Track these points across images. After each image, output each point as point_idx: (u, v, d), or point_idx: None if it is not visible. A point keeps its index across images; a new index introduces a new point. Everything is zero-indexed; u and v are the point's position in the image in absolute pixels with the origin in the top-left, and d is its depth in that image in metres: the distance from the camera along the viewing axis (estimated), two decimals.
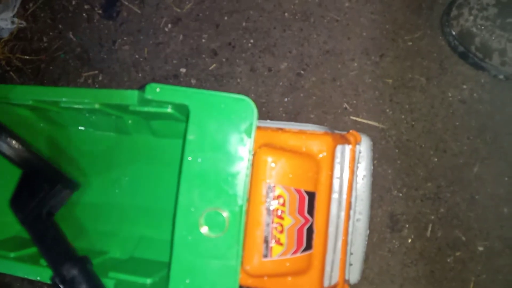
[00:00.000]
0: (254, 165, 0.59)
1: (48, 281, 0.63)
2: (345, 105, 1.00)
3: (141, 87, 0.64)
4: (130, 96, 0.64)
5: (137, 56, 1.11)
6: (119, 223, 0.81)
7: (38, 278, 0.65)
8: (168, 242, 0.75)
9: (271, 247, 0.57)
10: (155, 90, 0.60)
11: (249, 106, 0.58)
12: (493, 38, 0.88)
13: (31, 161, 0.67)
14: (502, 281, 0.92)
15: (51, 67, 1.15)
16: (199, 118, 0.59)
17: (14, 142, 0.64)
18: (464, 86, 0.96)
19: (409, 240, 0.96)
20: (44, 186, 0.68)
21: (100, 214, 0.82)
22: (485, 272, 0.93)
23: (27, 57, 1.15)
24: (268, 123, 0.73)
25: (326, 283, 0.64)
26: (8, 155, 0.65)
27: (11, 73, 1.16)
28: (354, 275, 0.77)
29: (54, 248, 0.63)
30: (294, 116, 1.02)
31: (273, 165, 0.58)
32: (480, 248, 0.94)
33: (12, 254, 0.69)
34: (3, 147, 0.64)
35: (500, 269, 0.93)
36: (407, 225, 0.96)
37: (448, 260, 0.94)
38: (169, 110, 0.66)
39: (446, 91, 0.97)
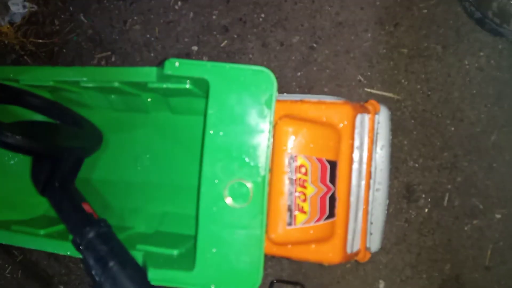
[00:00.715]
0: (275, 136, 0.59)
1: (79, 256, 0.65)
2: (359, 77, 1.00)
3: (160, 64, 0.65)
4: (149, 73, 0.65)
5: (148, 36, 1.11)
6: (142, 200, 0.83)
7: (68, 253, 0.67)
8: (191, 216, 0.77)
9: (295, 215, 0.58)
10: (174, 65, 0.60)
11: (269, 77, 0.58)
12: (511, 2, 0.86)
13: (57, 109, 0.70)
14: None
15: (64, 50, 1.15)
16: (219, 92, 0.59)
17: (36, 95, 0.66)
18: (481, 53, 0.95)
19: (426, 210, 0.97)
20: (48, 160, 0.70)
21: (124, 191, 0.84)
22: (502, 239, 0.94)
23: (41, 41, 1.16)
24: (285, 97, 0.73)
25: (348, 250, 0.65)
26: (36, 105, 0.68)
27: (25, 57, 1.17)
28: (374, 244, 0.78)
29: (71, 214, 0.65)
30: (307, 90, 1.02)
31: (294, 135, 0.58)
32: (498, 216, 0.94)
33: (42, 231, 0.71)
34: (32, 101, 0.68)
35: None
36: (423, 195, 0.97)
37: (466, 228, 0.95)
38: (187, 86, 0.66)
39: (462, 59, 0.95)
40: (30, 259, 1.13)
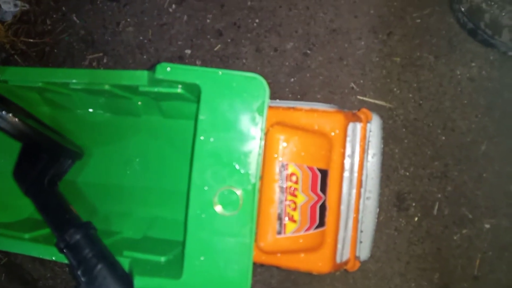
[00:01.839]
0: (266, 143, 0.59)
1: (65, 261, 0.64)
2: (352, 84, 1.00)
3: (151, 68, 0.64)
4: (140, 77, 0.64)
5: (141, 38, 1.10)
6: (131, 204, 0.82)
7: (54, 258, 0.66)
8: (180, 222, 0.76)
9: (284, 224, 0.58)
10: (166, 70, 0.59)
11: (261, 84, 0.58)
12: (503, 14, 0.87)
13: (28, 133, 0.66)
14: (508, 258, 0.94)
15: (55, 50, 1.14)
16: (210, 97, 0.59)
17: (7, 114, 0.63)
18: (473, 64, 0.96)
19: (416, 219, 0.97)
20: (44, 156, 0.68)
21: (112, 195, 0.83)
22: (491, 249, 0.94)
23: (31, 40, 1.14)
24: (277, 103, 0.72)
25: (337, 260, 0.65)
26: (2, 128, 0.64)
27: (15, 56, 1.16)
28: (364, 253, 0.78)
29: (57, 215, 0.64)
30: (300, 96, 1.02)
31: (285, 143, 0.58)
32: (487, 226, 0.94)
33: (26, 235, 0.70)
34: None
35: (507, 246, 0.94)
36: (413, 204, 0.97)
37: (455, 237, 0.96)
38: (179, 90, 0.65)
39: (454, 69, 0.96)
40: (15, 262, 1.11)
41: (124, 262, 0.62)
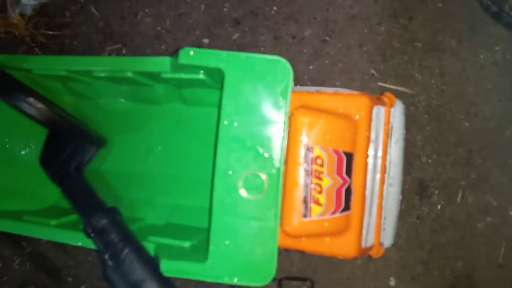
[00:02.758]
0: (290, 127, 0.58)
1: (91, 246, 0.65)
2: (372, 71, 0.98)
3: (173, 53, 0.64)
4: (162, 63, 0.64)
5: (159, 28, 1.10)
6: (154, 191, 0.83)
7: (80, 244, 0.67)
8: (203, 209, 0.77)
9: (310, 207, 0.57)
10: (189, 54, 0.59)
11: (285, 67, 0.57)
12: None
13: (54, 119, 0.68)
14: None
15: (75, 42, 1.15)
16: (234, 82, 0.58)
17: (35, 101, 0.65)
18: (497, 48, 0.93)
19: (439, 207, 0.96)
20: (70, 143, 0.69)
21: (135, 183, 0.84)
22: None
23: (51, 33, 1.16)
24: (299, 88, 0.72)
25: (362, 245, 0.64)
26: (30, 114, 0.65)
27: (35, 49, 1.17)
28: (387, 240, 0.77)
29: (84, 200, 0.65)
30: (319, 83, 1.01)
31: (310, 126, 0.58)
32: None
33: (53, 222, 0.71)
34: (24, 106, 0.65)
35: None
36: (436, 192, 0.96)
37: (479, 225, 0.94)
38: (201, 76, 0.65)
39: (477, 53, 0.94)
40: (39, 251, 1.13)
41: (150, 247, 0.63)
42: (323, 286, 0.98)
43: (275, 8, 1.03)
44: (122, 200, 0.83)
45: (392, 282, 0.97)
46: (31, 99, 0.62)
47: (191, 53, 0.59)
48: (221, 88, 0.59)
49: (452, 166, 0.95)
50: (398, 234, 0.96)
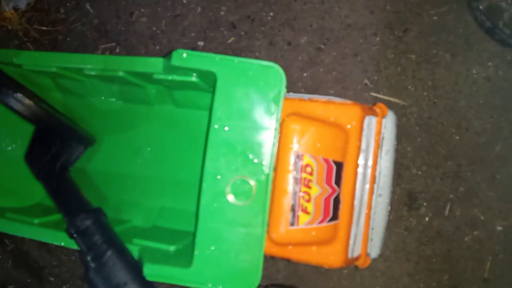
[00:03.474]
0: (282, 133, 0.58)
1: (73, 246, 0.63)
2: (366, 81, 0.99)
3: (167, 55, 0.63)
4: (155, 64, 0.64)
5: (154, 29, 1.09)
6: (141, 193, 0.81)
7: (63, 244, 0.66)
8: (190, 212, 0.76)
9: (298, 216, 0.57)
10: (182, 56, 0.59)
11: (278, 73, 0.57)
12: None
13: (42, 116, 0.67)
14: None
15: (68, 39, 1.14)
16: (226, 86, 0.58)
17: (23, 96, 0.63)
18: (490, 63, 0.94)
19: (427, 219, 0.96)
20: (57, 140, 0.68)
21: (123, 184, 0.83)
22: (502, 252, 0.93)
23: (44, 28, 1.14)
24: (292, 95, 0.72)
25: (349, 255, 0.64)
26: (17, 110, 0.64)
27: (28, 44, 1.16)
28: (374, 250, 0.77)
29: (68, 200, 0.64)
30: (313, 91, 1.01)
31: (301, 133, 0.57)
32: (499, 228, 0.93)
33: (36, 220, 0.70)
34: (12, 102, 0.63)
35: None
36: (425, 204, 0.96)
37: (466, 239, 0.94)
38: (194, 78, 0.65)
39: (470, 68, 0.95)
40: (22, 249, 1.11)
41: (134, 249, 0.62)
42: None
43: (271, 14, 1.03)
44: (108, 201, 0.81)
45: None
46: (19, 95, 0.61)
47: (184, 55, 0.58)
48: (213, 92, 0.58)
49: (441, 179, 0.95)
50: (385, 245, 0.96)
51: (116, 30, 1.12)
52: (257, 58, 1.03)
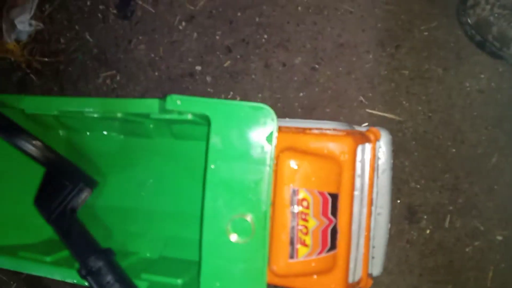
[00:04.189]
0: (277, 169, 0.60)
1: (86, 283, 0.66)
2: (361, 98, 1.00)
3: (162, 97, 0.66)
4: (151, 105, 0.66)
5: (152, 55, 1.12)
6: (146, 225, 0.84)
7: (75, 281, 0.68)
8: (195, 241, 0.78)
9: (296, 249, 0.59)
10: (176, 102, 0.61)
11: (269, 113, 0.59)
12: (511, 26, 0.87)
13: (53, 159, 0.71)
14: None
15: (69, 68, 1.17)
16: (220, 127, 0.60)
17: (36, 141, 0.69)
18: (482, 76, 0.96)
19: (428, 231, 0.97)
20: (66, 184, 0.71)
21: (128, 216, 0.85)
22: (504, 261, 0.94)
23: (46, 59, 1.18)
24: (287, 122, 0.74)
25: (350, 279, 0.66)
26: (31, 153, 0.70)
27: (31, 75, 1.19)
28: (376, 268, 0.79)
29: (79, 242, 0.66)
30: (309, 111, 1.03)
31: (296, 169, 0.59)
32: (499, 238, 0.94)
33: (48, 258, 0.72)
34: (26, 146, 0.69)
35: None
36: (425, 216, 0.98)
37: (467, 249, 0.96)
38: (189, 117, 0.67)
39: (463, 81, 0.96)
40: (35, 276, 1.14)
41: (142, 285, 0.64)
42: None
43: (265, 36, 1.05)
44: (115, 234, 0.84)
45: None
46: (32, 139, 0.66)
47: (178, 102, 0.61)
48: (208, 133, 0.60)
49: (440, 192, 0.97)
50: (388, 259, 0.98)
51: (116, 58, 1.14)
52: (253, 80, 1.06)
